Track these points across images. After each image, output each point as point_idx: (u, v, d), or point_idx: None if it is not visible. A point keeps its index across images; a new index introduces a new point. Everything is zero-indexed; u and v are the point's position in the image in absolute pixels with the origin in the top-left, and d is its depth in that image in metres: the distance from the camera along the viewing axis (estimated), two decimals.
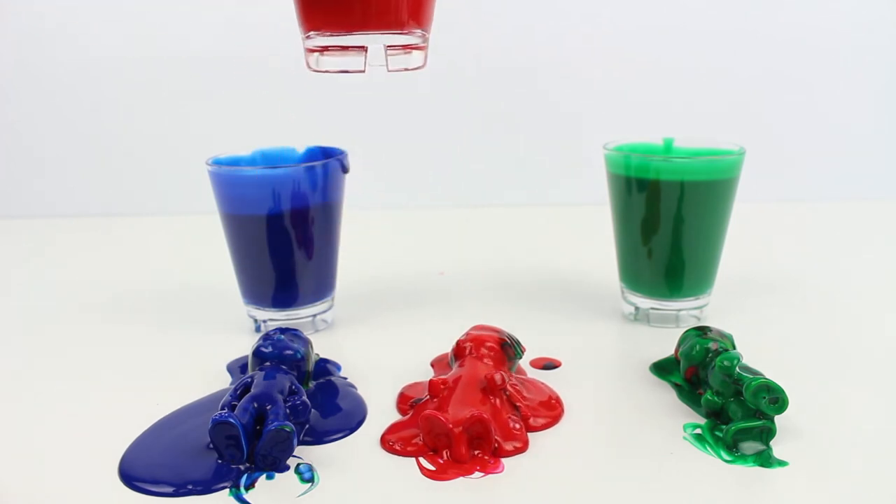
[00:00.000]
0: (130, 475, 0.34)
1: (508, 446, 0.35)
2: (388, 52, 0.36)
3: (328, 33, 0.35)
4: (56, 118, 0.87)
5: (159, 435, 0.38)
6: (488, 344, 0.41)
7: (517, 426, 0.36)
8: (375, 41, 0.35)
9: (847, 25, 0.85)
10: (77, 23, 0.84)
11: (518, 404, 0.38)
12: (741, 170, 0.48)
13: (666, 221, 0.47)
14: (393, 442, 0.36)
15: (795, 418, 0.37)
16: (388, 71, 0.36)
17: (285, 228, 0.47)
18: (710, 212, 0.47)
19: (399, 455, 0.35)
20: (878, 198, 0.86)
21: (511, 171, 0.87)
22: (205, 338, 0.51)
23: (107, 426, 0.39)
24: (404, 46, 0.36)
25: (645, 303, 0.50)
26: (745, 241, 0.72)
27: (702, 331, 0.41)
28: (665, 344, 0.46)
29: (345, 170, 0.50)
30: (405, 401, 0.41)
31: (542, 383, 0.42)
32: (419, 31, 0.36)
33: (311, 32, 0.36)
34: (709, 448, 0.35)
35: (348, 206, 0.52)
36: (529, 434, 0.37)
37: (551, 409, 0.39)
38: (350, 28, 0.35)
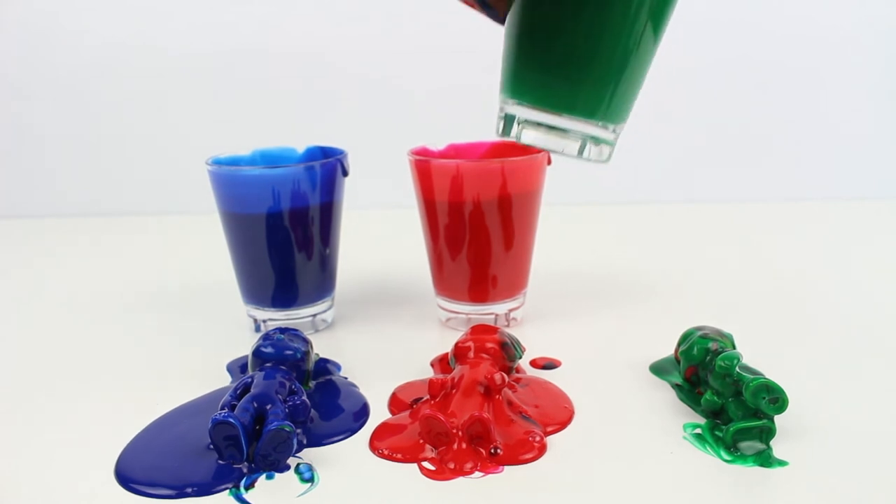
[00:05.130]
0: (128, 477, 0.34)
1: (527, 456, 0.35)
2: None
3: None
4: (56, 118, 0.87)
5: (158, 435, 0.38)
6: (488, 345, 0.41)
7: (538, 438, 0.36)
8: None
9: (847, 25, 0.84)
10: (77, 22, 0.84)
11: (528, 415, 0.38)
12: None
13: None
14: (382, 449, 0.36)
15: (795, 418, 0.37)
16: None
17: (285, 228, 0.47)
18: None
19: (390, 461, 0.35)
20: (879, 198, 0.86)
21: None
22: (205, 338, 0.51)
23: (106, 426, 0.39)
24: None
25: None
26: (746, 240, 0.72)
27: (701, 330, 0.41)
28: (665, 344, 0.46)
29: (345, 173, 0.50)
30: (397, 402, 0.41)
31: (552, 385, 0.42)
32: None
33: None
34: (709, 448, 0.35)
35: (348, 206, 0.52)
36: None
37: (562, 415, 0.39)
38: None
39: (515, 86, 0.34)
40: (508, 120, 0.35)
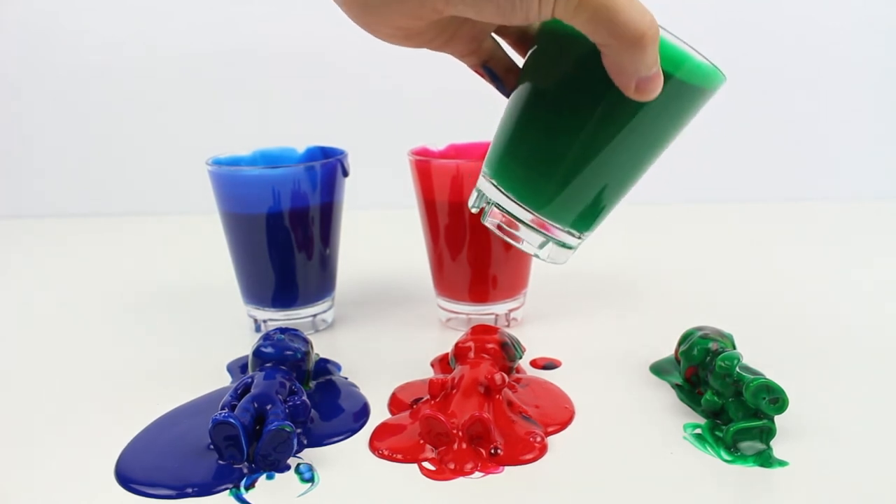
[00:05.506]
0: (128, 477, 0.34)
1: (528, 456, 0.35)
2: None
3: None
4: (56, 118, 0.87)
5: (158, 435, 0.38)
6: (489, 345, 0.41)
7: (538, 438, 0.36)
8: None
9: (847, 25, 0.84)
10: (77, 22, 0.84)
11: (528, 415, 0.38)
12: None
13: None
14: (382, 449, 0.36)
15: (795, 418, 0.37)
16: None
17: (285, 228, 0.47)
18: None
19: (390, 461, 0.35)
20: (879, 198, 0.86)
21: None
22: (205, 338, 0.51)
23: (106, 426, 0.39)
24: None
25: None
26: (746, 240, 0.73)
27: (701, 330, 0.41)
28: (665, 344, 0.46)
29: (345, 173, 0.50)
30: (397, 402, 0.41)
31: (552, 385, 0.42)
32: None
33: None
34: (709, 448, 0.35)
35: (348, 206, 0.52)
36: None
37: (562, 416, 0.39)
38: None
39: (499, 169, 0.33)
40: (481, 196, 0.34)
